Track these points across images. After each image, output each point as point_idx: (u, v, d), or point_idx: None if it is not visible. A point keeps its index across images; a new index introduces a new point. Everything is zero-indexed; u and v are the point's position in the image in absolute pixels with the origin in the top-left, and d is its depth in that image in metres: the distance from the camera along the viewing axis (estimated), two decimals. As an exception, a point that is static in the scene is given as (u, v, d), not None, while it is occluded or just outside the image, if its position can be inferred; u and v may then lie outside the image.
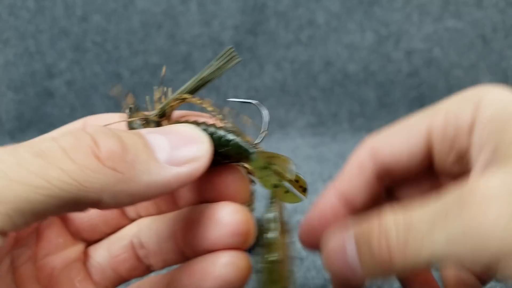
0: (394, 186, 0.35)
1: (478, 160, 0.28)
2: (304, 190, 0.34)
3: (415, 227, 0.24)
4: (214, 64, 0.32)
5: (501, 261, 0.21)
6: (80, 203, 0.23)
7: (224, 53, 0.32)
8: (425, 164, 0.32)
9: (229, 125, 0.31)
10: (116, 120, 0.33)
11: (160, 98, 0.33)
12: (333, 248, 0.29)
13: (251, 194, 0.33)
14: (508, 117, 0.27)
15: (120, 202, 0.24)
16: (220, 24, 0.98)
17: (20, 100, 0.99)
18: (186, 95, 0.32)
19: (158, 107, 0.32)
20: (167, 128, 0.28)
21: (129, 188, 0.24)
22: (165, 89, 0.33)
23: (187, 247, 0.31)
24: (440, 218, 0.23)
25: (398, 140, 0.33)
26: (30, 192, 0.21)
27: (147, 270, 0.35)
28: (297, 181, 0.33)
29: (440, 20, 0.97)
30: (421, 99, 1.00)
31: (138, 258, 0.34)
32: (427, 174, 0.33)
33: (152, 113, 0.32)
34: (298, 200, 0.34)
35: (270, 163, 0.31)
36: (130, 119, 0.32)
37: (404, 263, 0.25)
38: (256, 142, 0.33)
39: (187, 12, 0.97)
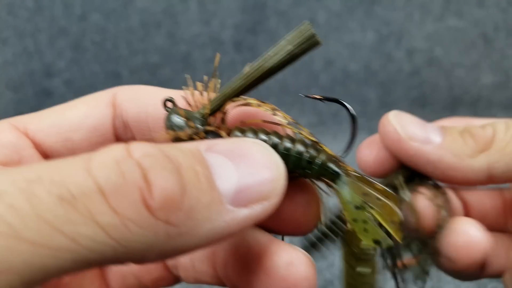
0: None
1: None
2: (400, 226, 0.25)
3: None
4: (284, 45, 0.23)
5: None
6: (112, 263, 0.18)
7: (299, 31, 0.23)
8: None
9: (305, 135, 0.24)
10: (155, 94, 0.27)
11: (208, 89, 0.25)
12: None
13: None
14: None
15: (167, 257, 0.19)
16: (220, 23, 0.98)
17: (19, 99, 0.98)
18: (250, 100, 0.24)
19: (206, 102, 0.25)
20: (233, 148, 0.21)
21: (182, 244, 0.18)
22: (213, 80, 0.25)
23: (226, 278, 0.26)
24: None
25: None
26: (48, 257, 0.15)
27: (175, 280, 0.29)
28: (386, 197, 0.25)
29: (441, 19, 0.97)
30: (423, 99, 1.00)
31: (166, 268, 0.29)
32: None
33: (200, 111, 0.25)
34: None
35: (367, 202, 0.23)
36: (173, 113, 0.24)
37: None
38: (343, 154, 0.26)
39: (187, 11, 0.97)
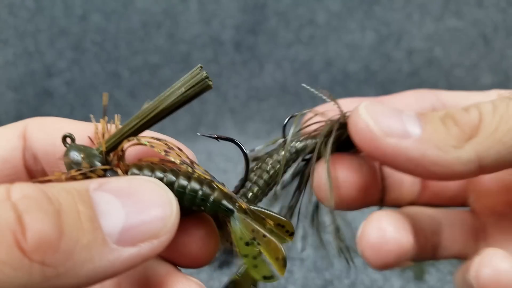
0: None
1: None
2: (290, 234, 0.27)
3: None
4: (177, 88, 0.25)
5: None
6: None
7: (192, 74, 0.24)
8: None
9: (200, 173, 0.25)
10: (63, 127, 0.27)
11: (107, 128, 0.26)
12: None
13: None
14: None
15: None
16: (220, 24, 0.98)
17: (19, 99, 0.98)
18: (143, 139, 0.25)
19: (104, 139, 0.26)
20: (124, 186, 0.21)
21: (62, 284, 0.18)
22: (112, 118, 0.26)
23: None
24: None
25: None
26: None
27: None
28: (283, 226, 0.27)
29: (440, 20, 0.97)
30: (422, 99, 1.00)
31: None
32: None
33: (97, 148, 0.26)
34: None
35: (256, 238, 0.25)
36: (72, 151, 0.25)
37: None
38: (237, 190, 0.27)
39: (187, 12, 0.97)
